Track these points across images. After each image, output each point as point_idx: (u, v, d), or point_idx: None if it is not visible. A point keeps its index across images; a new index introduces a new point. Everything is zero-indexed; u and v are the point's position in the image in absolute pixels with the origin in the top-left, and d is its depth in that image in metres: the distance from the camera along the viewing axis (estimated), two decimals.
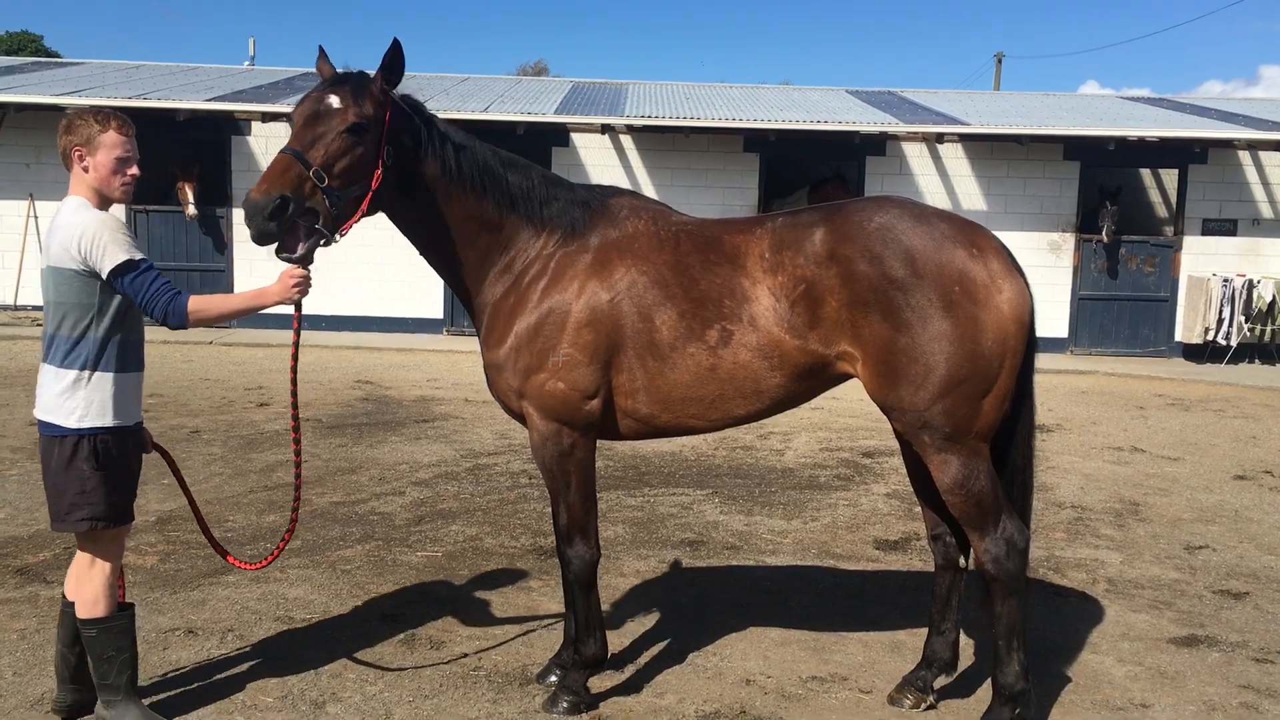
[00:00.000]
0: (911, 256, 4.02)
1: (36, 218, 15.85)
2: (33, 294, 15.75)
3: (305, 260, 4.04)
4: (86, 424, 4.00)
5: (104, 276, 3.94)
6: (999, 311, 4.00)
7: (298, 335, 4.43)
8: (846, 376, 4.32)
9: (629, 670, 4.92)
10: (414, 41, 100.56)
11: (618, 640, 5.19)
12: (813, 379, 4.29)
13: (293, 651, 4.96)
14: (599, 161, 16.88)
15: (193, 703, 4.46)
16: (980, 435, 4.11)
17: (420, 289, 16.23)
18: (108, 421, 4.03)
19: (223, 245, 16.16)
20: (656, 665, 4.98)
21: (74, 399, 3.99)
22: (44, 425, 4.06)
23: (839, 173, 17.45)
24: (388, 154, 4.15)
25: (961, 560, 4.66)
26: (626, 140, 16.88)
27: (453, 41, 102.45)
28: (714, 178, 17.03)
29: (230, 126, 16.19)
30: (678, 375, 4.24)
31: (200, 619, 5.36)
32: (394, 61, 4.14)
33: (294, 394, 4.43)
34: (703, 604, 5.78)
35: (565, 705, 4.45)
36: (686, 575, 6.28)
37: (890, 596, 6.07)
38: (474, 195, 4.37)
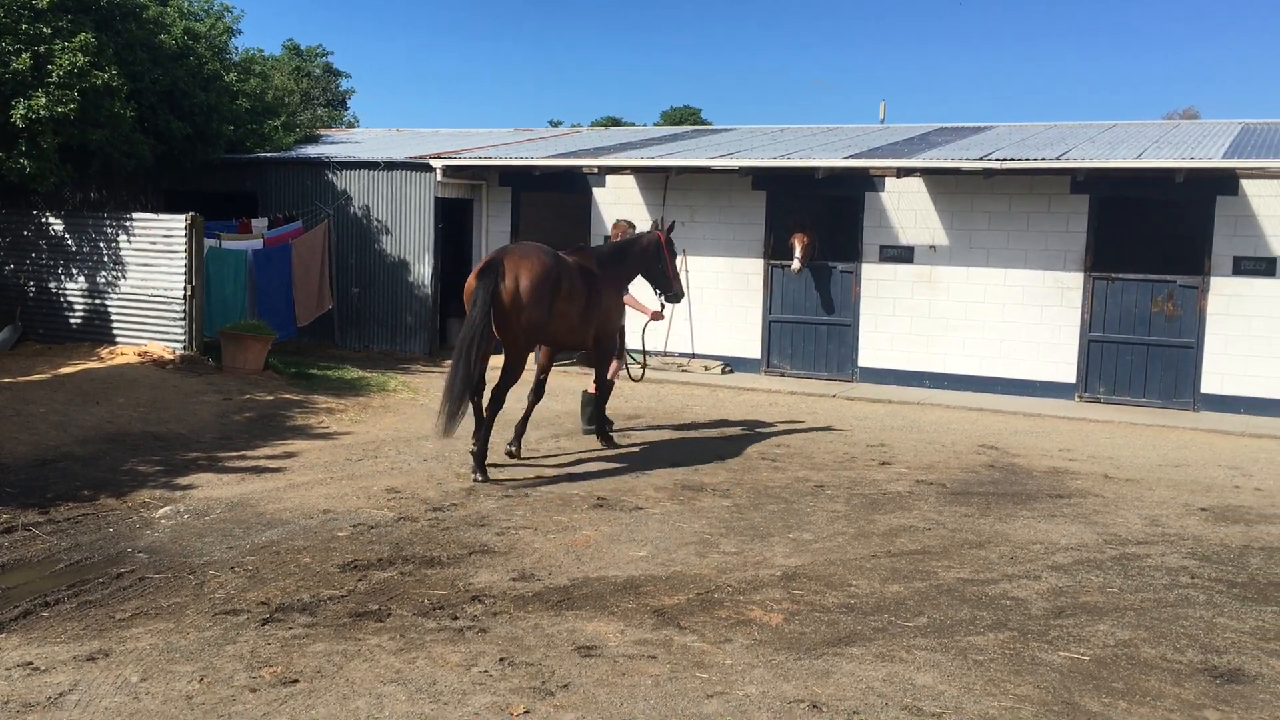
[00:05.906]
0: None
1: (688, 272, 17.15)
2: (679, 342, 17.09)
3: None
4: None
5: None
6: (504, 290, 9.20)
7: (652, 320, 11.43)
8: None
9: None
10: (1053, 92, 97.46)
11: None
12: None
13: None
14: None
15: None
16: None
17: (1048, 350, 15.12)
18: None
19: (849, 300, 16.33)
20: None
21: None
22: None
23: None
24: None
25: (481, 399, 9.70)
26: None
27: (1096, 88, 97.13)
28: None
29: (865, 183, 16.37)
30: None
31: (825, 693, 5.05)
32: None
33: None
34: None
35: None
36: None
37: None
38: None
